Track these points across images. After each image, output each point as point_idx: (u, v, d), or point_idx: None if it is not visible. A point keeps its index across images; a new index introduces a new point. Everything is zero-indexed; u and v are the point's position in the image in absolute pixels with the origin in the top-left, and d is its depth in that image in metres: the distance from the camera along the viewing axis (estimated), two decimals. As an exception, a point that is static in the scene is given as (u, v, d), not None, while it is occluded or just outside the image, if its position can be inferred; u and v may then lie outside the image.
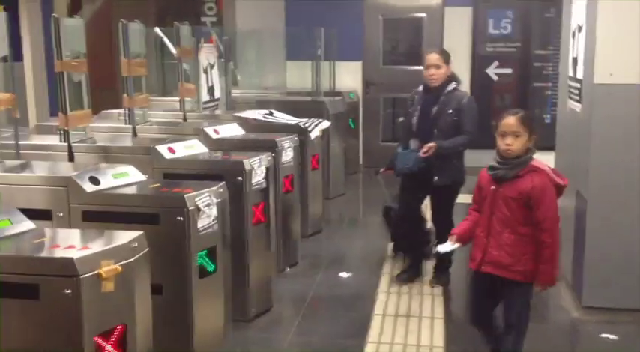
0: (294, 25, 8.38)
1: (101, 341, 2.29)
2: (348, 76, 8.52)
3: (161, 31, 6.92)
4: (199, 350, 3.18)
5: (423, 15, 8.63)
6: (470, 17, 8.47)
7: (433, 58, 4.39)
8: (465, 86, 8.56)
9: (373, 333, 3.97)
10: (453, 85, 4.43)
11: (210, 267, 3.28)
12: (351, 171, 7.99)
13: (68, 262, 2.21)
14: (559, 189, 3.13)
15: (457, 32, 8.44)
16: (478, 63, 8.54)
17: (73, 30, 3.95)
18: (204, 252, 3.23)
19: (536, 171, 3.09)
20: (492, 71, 8.56)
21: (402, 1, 8.70)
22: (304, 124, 5.69)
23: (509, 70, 8.53)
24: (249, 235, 4.03)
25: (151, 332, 2.58)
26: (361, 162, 8.80)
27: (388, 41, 8.83)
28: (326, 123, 5.96)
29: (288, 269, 4.97)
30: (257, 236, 4.12)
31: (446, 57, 4.40)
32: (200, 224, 3.18)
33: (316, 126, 5.76)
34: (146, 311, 2.53)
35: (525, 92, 8.55)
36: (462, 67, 8.55)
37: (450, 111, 4.35)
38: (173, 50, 6.84)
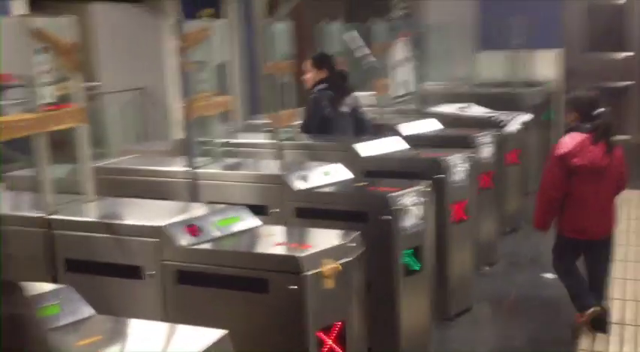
0: (488, 13, 8.11)
1: (323, 336, 2.39)
2: (546, 65, 8.08)
3: (353, 26, 7.06)
4: (406, 348, 3.21)
5: (631, -3, 7.94)
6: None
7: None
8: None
9: (585, 342, 3.73)
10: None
11: (416, 266, 3.29)
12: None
13: (294, 260, 2.33)
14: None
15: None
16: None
17: (281, 33, 4.15)
18: (410, 251, 3.24)
19: None
20: None
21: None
22: (502, 118, 5.50)
23: None
24: (451, 233, 3.98)
25: (366, 329, 2.64)
26: (558, 155, 8.33)
27: (592, 26, 8.24)
28: (525, 117, 5.72)
29: (487, 268, 4.85)
30: (458, 234, 4.06)
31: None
32: (407, 223, 3.20)
33: (514, 119, 5.54)
34: (362, 308, 2.60)
35: None
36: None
37: None
38: (362, 44, 6.97)
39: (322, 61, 4.74)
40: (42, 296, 1.84)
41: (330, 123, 4.60)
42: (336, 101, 4.64)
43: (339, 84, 4.71)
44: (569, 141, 3.60)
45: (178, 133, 4.74)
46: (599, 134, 3.58)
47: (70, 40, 2.71)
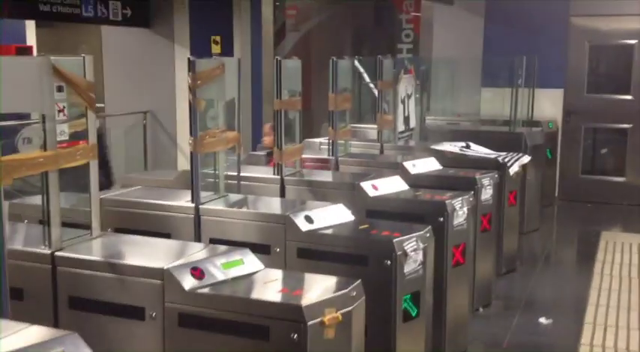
0: (492, 51, 8.23)
1: (321, 386, 2.41)
2: (547, 104, 8.17)
3: (359, 60, 7.15)
4: (401, 393, 3.22)
5: (634, 41, 8.04)
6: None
7: None
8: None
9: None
10: None
11: (414, 312, 3.31)
12: (545, 204, 7.64)
13: (297, 309, 2.35)
14: None
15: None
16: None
17: (292, 70, 4.21)
18: (408, 297, 3.27)
19: None
20: None
21: (612, 26, 8.18)
22: (503, 159, 5.56)
23: None
24: (449, 276, 4.01)
25: (362, 376, 2.66)
26: (557, 195, 8.39)
27: (594, 68, 8.36)
28: (526, 158, 5.78)
29: (481, 309, 4.87)
30: (455, 277, 4.09)
31: None
32: (406, 268, 3.23)
33: (516, 161, 5.60)
34: (360, 356, 2.62)
35: None
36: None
37: None
38: (368, 80, 7.06)
39: None
40: (47, 343, 1.86)
41: None
42: None
43: None
44: None
45: (183, 162, 4.80)
46: None
47: (87, 79, 2.76)
